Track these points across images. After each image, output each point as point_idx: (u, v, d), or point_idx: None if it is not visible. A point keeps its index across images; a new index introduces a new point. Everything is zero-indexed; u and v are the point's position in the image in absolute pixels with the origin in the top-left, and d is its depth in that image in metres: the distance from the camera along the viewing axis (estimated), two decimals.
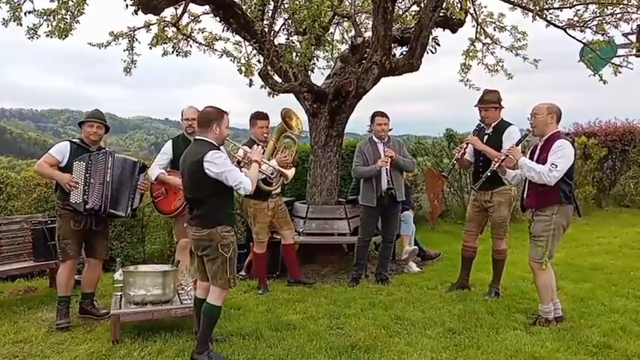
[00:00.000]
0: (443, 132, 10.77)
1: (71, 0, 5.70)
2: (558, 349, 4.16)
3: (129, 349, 4.25)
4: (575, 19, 7.20)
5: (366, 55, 7.21)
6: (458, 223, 9.32)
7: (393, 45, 7.01)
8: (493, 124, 5.40)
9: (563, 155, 4.41)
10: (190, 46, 7.65)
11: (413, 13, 8.13)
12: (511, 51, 8.02)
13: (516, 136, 5.15)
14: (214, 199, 3.92)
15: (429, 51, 7.16)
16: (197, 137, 4.04)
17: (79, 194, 4.78)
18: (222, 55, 7.46)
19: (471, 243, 5.71)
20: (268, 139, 5.80)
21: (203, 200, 3.92)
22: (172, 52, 7.62)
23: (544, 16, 7.15)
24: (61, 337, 4.55)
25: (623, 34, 9.45)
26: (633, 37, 10.66)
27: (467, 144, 5.46)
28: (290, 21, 7.20)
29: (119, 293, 4.76)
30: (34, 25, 5.77)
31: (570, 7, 7.21)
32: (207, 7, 7.13)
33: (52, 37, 5.79)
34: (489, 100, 5.41)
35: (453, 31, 7.88)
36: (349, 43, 7.88)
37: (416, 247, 7.06)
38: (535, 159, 4.63)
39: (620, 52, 9.17)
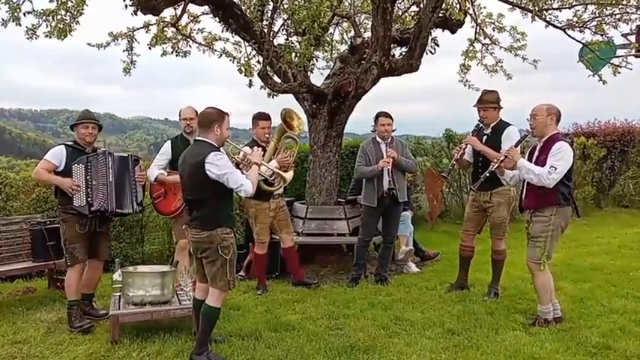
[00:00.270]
0: (442, 132, 10.77)
1: (70, 0, 5.69)
2: (557, 349, 4.16)
3: (128, 349, 4.25)
4: (575, 19, 7.20)
5: (365, 56, 7.21)
6: (457, 224, 9.31)
7: (392, 45, 7.01)
8: (492, 125, 5.40)
9: (562, 158, 4.41)
10: (190, 46, 7.65)
11: (412, 13, 8.12)
12: (510, 51, 8.01)
13: (515, 136, 5.15)
14: (214, 201, 3.90)
15: (428, 51, 7.16)
16: (197, 138, 4.03)
17: (82, 197, 4.74)
18: (221, 55, 7.46)
19: (468, 243, 5.71)
20: (270, 139, 5.79)
21: (203, 202, 3.90)
22: (172, 52, 7.62)
23: (543, 16, 7.15)
24: (59, 338, 4.55)
25: (622, 35, 9.44)
26: (632, 38, 10.67)
27: (466, 144, 5.46)
28: (289, 21, 7.20)
29: (118, 294, 4.75)
30: (33, 25, 5.75)
31: (569, 8, 7.21)
32: (206, 8, 7.12)
33: (51, 37, 5.77)
34: (488, 101, 5.41)
35: (453, 32, 7.88)
36: (348, 43, 7.87)
37: (412, 247, 7.04)
38: (534, 160, 4.63)
39: (620, 52, 9.19)
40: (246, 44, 7.04)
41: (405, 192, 6.23)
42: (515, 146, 4.82)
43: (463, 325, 4.71)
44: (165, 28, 7.27)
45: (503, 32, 8.00)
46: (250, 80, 6.58)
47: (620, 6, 7.03)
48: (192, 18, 7.48)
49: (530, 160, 4.68)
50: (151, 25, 7.19)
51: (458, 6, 7.15)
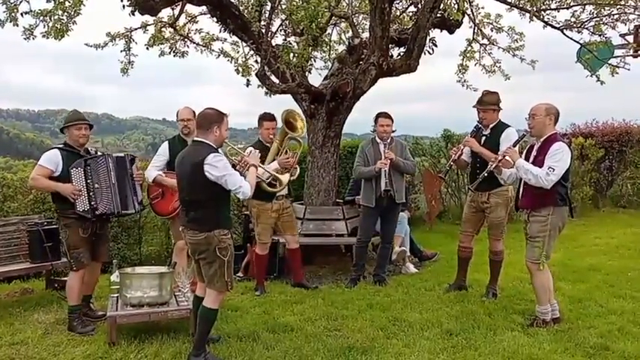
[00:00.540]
0: (440, 132, 10.78)
1: (68, 0, 5.68)
2: (556, 350, 4.16)
3: (125, 351, 4.24)
4: (573, 19, 7.21)
5: (363, 56, 7.21)
6: (455, 224, 9.30)
7: (390, 46, 7.01)
8: (491, 126, 5.39)
9: (560, 159, 4.40)
10: (187, 46, 7.64)
11: (410, 14, 8.13)
12: (508, 52, 8.03)
13: (514, 138, 5.13)
14: (212, 202, 3.88)
15: (426, 52, 7.15)
16: (196, 139, 4.00)
17: (85, 202, 4.69)
18: (219, 55, 7.44)
19: (466, 243, 5.71)
20: (274, 140, 5.78)
21: (201, 203, 3.88)
22: (169, 52, 7.61)
23: (541, 17, 7.15)
24: (57, 340, 4.53)
25: (620, 35, 9.44)
26: (630, 38, 10.65)
27: (464, 146, 5.45)
28: (287, 22, 7.19)
29: (116, 295, 4.73)
30: (30, 25, 5.73)
31: (567, 8, 7.22)
32: (204, 8, 7.11)
33: (48, 37, 5.76)
34: (488, 102, 5.40)
35: (451, 32, 7.88)
36: (346, 43, 7.88)
37: (405, 248, 7.01)
38: (531, 160, 4.63)
39: (618, 52, 9.18)
40: (244, 44, 7.03)
41: (403, 193, 6.21)
42: (514, 146, 4.82)
43: (461, 326, 4.71)
44: (163, 29, 7.26)
45: (501, 32, 8.03)
46: (248, 80, 6.57)
47: (618, 6, 7.04)
48: (189, 18, 7.48)
49: (527, 159, 4.68)
50: (149, 25, 7.18)
51: (456, 6, 7.15)
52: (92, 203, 4.72)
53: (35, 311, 5.30)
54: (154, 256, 7.50)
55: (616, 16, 7.18)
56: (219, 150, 4.04)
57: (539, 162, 4.52)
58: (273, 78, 6.99)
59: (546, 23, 7.23)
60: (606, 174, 11.98)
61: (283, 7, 7.10)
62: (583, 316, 4.93)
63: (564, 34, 7.25)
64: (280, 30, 7.38)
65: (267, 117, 5.89)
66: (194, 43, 7.57)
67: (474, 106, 5.49)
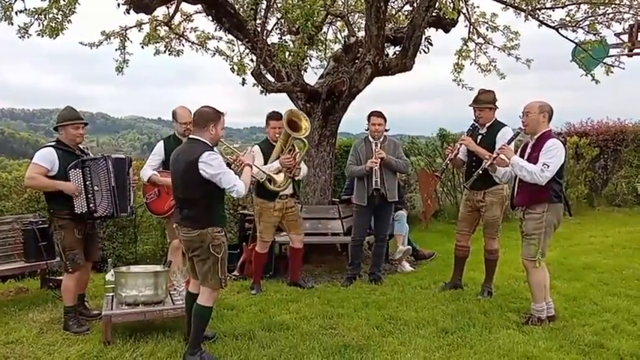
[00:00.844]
0: (436, 132, 10.79)
1: None
2: (551, 348, 4.17)
3: (121, 350, 4.22)
4: (568, 19, 7.22)
5: (359, 55, 7.21)
6: (451, 223, 9.32)
7: (385, 45, 7.02)
8: (487, 125, 5.40)
9: (554, 155, 4.42)
10: (182, 45, 7.64)
11: (406, 12, 8.13)
12: (504, 51, 8.04)
13: (510, 137, 5.16)
14: (206, 201, 3.88)
15: (421, 51, 7.17)
16: (191, 136, 3.99)
17: (83, 203, 4.65)
18: (214, 54, 7.46)
19: (463, 242, 5.72)
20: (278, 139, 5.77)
21: (195, 201, 3.88)
22: (164, 51, 7.61)
23: (536, 16, 7.17)
24: (52, 339, 4.52)
25: (615, 34, 9.49)
26: (625, 37, 10.73)
27: (460, 144, 5.45)
28: (283, 20, 7.20)
29: (111, 294, 4.72)
30: (25, 24, 5.72)
31: (562, 7, 7.23)
32: (199, 7, 7.12)
33: (43, 36, 5.74)
34: (484, 101, 5.40)
35: (446, 31, 7.89)
36: (342, 42, 7.88)
37: (409, 246, 7.06)
38: (526, 157, 4.64)
39: (612, 51, 9.24)
40: (240, 43, 7.04)
41: (395, 192, 6.20)
42: (508, 144, 4.83)
43: (457, 324, 4.71)
44: (158, 27, 7.26)
45: (496, 32, 8.03)
46: (243, 79, 6.56)
47: (613, 5, 7.07)
48: (185, 17, 7.48)
49: (522, 156, 4.69)
50: (144, 23, 7.18)
51: (451, 5, 7.16)
52: (91, 205, 4.68)
53: (30, 310, 5.28)
54: (149, 255, 7.49)
55: (611, 15, 7.20)
56: (215, 148, 4.03)
57: (533, 159, 4.53)
58: (269, 77, 6.99)
59: (541, 22, 7.25)
60: (601, 173, 12.03)
61: (279, 5, 7.10)
62: (578, 314, 4.94)
63: (559, 33, 7.27)
64: (276, 28, 7.39)
65: (274, 116, 5.87)
66: (189, 41, 7.58)
67: (470, 105, 5.49)
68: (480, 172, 5.05)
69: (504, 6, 7.44)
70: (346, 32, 8.03)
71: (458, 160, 5.64)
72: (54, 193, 4.62)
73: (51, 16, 5.69)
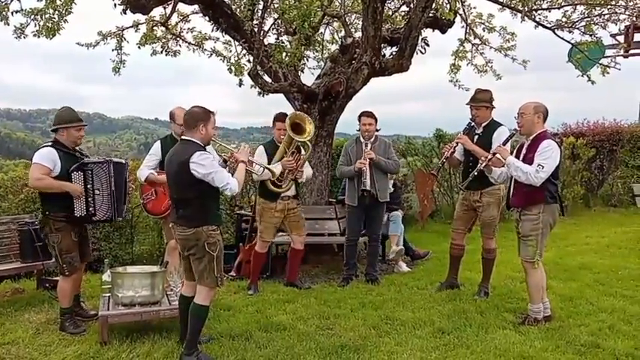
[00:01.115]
0: (432, 132, 10.81)
1: None
2: (547, 348, 4.18)
3: (117, 350, 4.22)
4: (564, 19, 7.24)
5: (355, 56, 7.22)
6: (447, 223, 9.32)
7: (382, 45, 7.03)
8: (483, 124, 5.41)
9: (549, 156, 4.43)
10: (179, 45, 7.63)
11: (402, 13, 8.15)
12: (500, 52, 8.06)
13: (506, 136, 5.17)
14: (200, 200, 3.91)
15: (418, 51, 7.17)
16: (183, 137, 4.03)
17: (83, 207, 4.64)
18: (211, 54, 7.44)
19: (458, 241, 5.72)
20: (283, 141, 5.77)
21: (189, 200, 3.91)
22: (161, 51, 7.59)
23: (533, 17, 7.19)
24: (48, 339, 4.51)
25: (610, 35, 9.52)
26: (621, 38, 10.76)
27: (457, 143, 5.45)
28: (280, 21, 7.19)
29: (107, 295, 4.71)
30: (21, 24, 5.70)
31: (559, 8, 7.25)
32: (196, 7, 7.10)
33: (39, 36, 5.72)
34: (481, 99, 5.41)
35: (443, 32, 7.91)
36: (339, 43, 7.88)
37: (402, 247, 7.05)
38: (521, 158, 4.65)
39: (608, 52, 9.26)
40: (237, 43, 7.03)
41: (386, 192, 6.20)
42: (504, 144, 4.84)
43: (453, 325, 4.73)
44: (155, 27, 7.25)
45: (493, 32, 8.07)
46: (240, 79, 6.56)
47: (609, 6, 7.09)
48: (181, 17, 7.47)
49: (517, 157, 4.70)
50: (141, 24, 7.17)
51: (448, 6, 7.18)
52: (90, 209, 4.68)
53: (26, 311, 5.26)
54: (145, 256, 7.48)
55: (607, 16, 7.22)
56: (211, 147, 4.04)
57: (528, 160, 4.54)
58: (266, 77, 7.00)
59: (538, 23, 7.27)
60: (597, 173, 12.06)
61: (276, 6, 7.10)
62: (574, 314, 4.96)
63: (556, 34, 7.28)
64: (273, 29, 7.37)
65: (280, 117, 5.87)
66: (186, 42, 7.56)
67: (467, 104, 5.50)
68: (476, 173, 5.06)
69: (501, 7, 7.45)
70: (343, 33, 8.03)
71: (454, 160, 5.65)
72: (51, 195, 4.58)
73: (47, 16, 5.67)
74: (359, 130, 6.21)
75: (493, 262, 5.62)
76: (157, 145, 5.58)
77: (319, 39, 8.41)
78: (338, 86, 7.05)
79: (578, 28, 7.24)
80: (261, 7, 6.52)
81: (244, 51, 7.21)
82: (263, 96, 7.35)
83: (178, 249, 4.77)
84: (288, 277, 6.19)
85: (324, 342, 4.36)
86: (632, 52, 12.31)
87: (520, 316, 4.86)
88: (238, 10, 6.86)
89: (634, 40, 12.00)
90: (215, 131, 4.10)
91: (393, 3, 8.16)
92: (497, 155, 4.76)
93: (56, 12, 5.68)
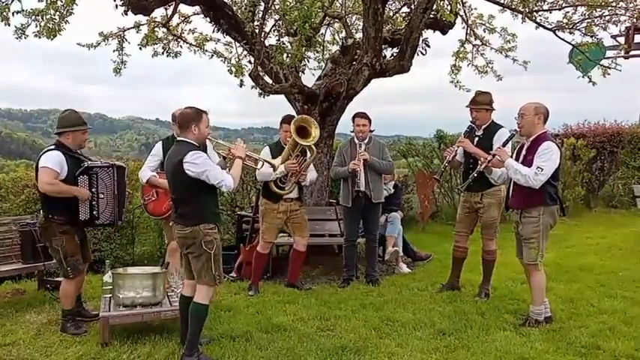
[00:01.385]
0: (433, 133, 10.82)
1: (60, 0, 5.66)
2: (547, 350, 4.18)
3: (118, 351, 4.22)
4: (565, 21, 7.23)
5: (356, 57, 7.22)
6: (448, 224, 9.34)
7: (383, 46, 7.02)
8: (484, 126, 5.41)
9: (549, 159, 4.42)
10: (181, 46, 7.63)
11: (403, 14, 8.15)
12: (501, 52, 8.05)
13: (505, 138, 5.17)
14: (197, 199, 3.96)
15: (419, 52, 7.17)
16: (178, 138, 4.10)
17: (87, 210, 4.65)
18: (212, 55, 7.45)
19: (462, 243, 5.72)
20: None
21: (186, 199, 3.97)
22: (162, 52, 7.60)
23: (533, 18, 7.18)
24: (49, 340, 4.51)
25: (611, 36, 9.51)
26: (622, 39, 10.75)
27: (458, 146, 5.46)
28: (281, 22, 7.20)
29: (108, 295, 4.71)
30: (22, 25, 5.71)
31: (559, 9, 7.25)
32: (197, 8, 7.11)
33: (40, 37, 5.74)
34: (481, 102, 5.42)
35: (443, 33, 7.91)
36: (340, 44, 7.88)
37: (397, 248, 7.02)
38: (521, 160, 4.65)
39: (609, 53, 9.27)
40: (238, 45, 7.04)
41: (381, 193, 6.21)
42: (503, 146, 4.84)
43: (454, 326, 4.72)
44: (156, 29, 7.24)
45: (493, 33, 8.06)
46: (241, 80, 6.56)
47: (610, 8, 7.08)
48: (183, 18, 7.47)
49: (517, 159, 4.70)
50: (142, 25, 7.17)
51: (449, 7, 7.17)
52: (94, 212, 4.69)
53: (27, 312, 5.27)
54: (146, 257, 7.48)
55: (607, 18, 7.22)
56: (210, 147, 4.06)
57: (528, 161, 4.54)
58: (267, 78, 7.00)
59: (538, 24, 7.26)
60: (598, 174, 12.06)
61: (277, 7, 7.10)
62: (574, 315, 4.96)
63: (556, 35, 7.28)
64: (274, 30, 7.38)
65: (287, 119, 5.88)
66: (187, 43, 7.56)
67: (466, 106, 5.51)
68: (475, 175, 5.06)
69: (502, 8, 7.46)
70: (344, 34, 8.04)
71: (455, 162, 5.66)
72: (55, 198, 4.53)
73: (48, 17, 5.69)
74: (352, 132, 6.22)
75: (494, 263, 5.62)
76: (159, 146, 5.59)
77: (320, 40, 8.41)
78: (339, 87, 7.05)
79: (578, 30, 7.24)
80: (262, 8, 6.52)
81: (245, 52, 7.21)
82: (264, 97, 7.35)
83: (179, 250, 4.78)
84: (289, 278, 6.19)
85: (325, 343, 4.36)
86: (632, 53, 12.29)
87: (521, 318, 4.86)
88: (239, 11, 6.87)
89: (634, 41, 11.99)
90: (209, 130, 4.13)
91: (393, 4, 8.16)
92: (497, 157, 4.76)
93: (57, 13, 5.70)
